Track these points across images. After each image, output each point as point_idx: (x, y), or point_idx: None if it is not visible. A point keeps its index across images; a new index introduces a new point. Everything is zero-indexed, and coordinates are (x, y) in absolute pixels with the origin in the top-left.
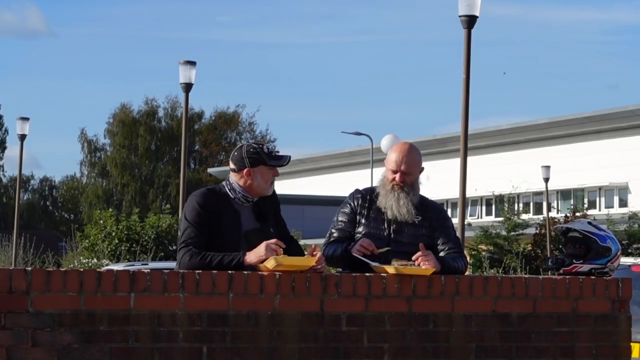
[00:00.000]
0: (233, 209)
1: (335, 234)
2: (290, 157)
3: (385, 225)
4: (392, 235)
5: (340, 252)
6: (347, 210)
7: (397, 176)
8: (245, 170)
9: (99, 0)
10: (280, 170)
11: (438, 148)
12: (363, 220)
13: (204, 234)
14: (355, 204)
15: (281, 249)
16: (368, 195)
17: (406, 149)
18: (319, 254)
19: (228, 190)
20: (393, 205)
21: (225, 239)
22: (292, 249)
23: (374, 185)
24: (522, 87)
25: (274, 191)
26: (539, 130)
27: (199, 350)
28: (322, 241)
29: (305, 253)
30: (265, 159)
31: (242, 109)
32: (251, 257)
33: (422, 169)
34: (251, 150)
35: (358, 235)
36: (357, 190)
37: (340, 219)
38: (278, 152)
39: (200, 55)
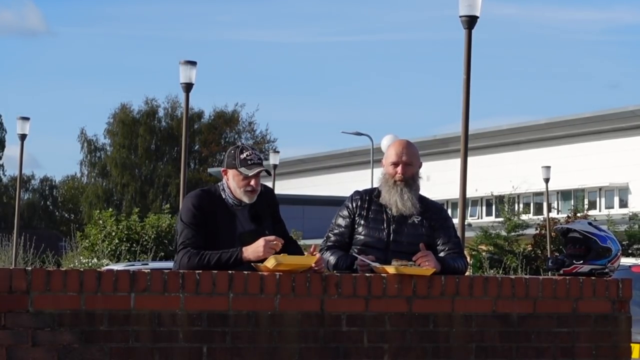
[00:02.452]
0: (228, 210)
1: (332, 239)
2: (264, 170)
3: (385, 225)
4: (391, 235)
5: (346, 267)
6: (345, 213)
7: (399, 168)
8: (222, 169)
9: (99, 0)
10: (280, 170)
11: (438, 148)
12: (362, 221)
13: (201, 235)
14: (354, 205)
15: (279, 245)
16: (367, 196)
17: (405, 143)
18: (318, 254)
19: (221, 191)
20: (397, 201)
21: (220, 240)
22: (292, 249)
23: (374, 185)
24: (522, 87)
25: (272, 192)
26: (539, 130)
27: (199, 350)
28: (322, 241)
29: (305, 253)
30: (236, 164)
31: (241, 109)
32: (249, 253)
33: (421, 164)
34: (232, 151)
35: (358, 236)
36: (356, 192)
37: (337, 222)
38: (257, 162)
39: (200, 55)
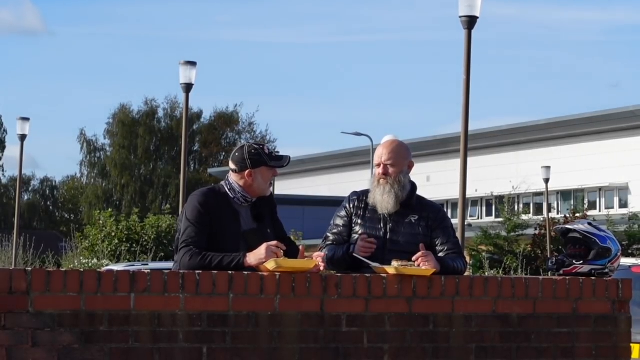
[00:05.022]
0: (232, 209)
1: (330, 238)
2: (290, 157)
3: (382, 224)
4: (388, 235)
5: (342, 254)
6: (342, 213)
7: (381, 168)
8: (247, 172)
9: (98, 0)
10: (280, 170)
11: (438, 148)
12: (359, 221)
13: (205, 234)
14: (351, 206)
15: (281, 251)
16: (364, 197)
17: (388, 143)
18: (317, 254)
19: (228, 190)
20: (378, 199)
21: (225, 239)
22: (290, 250)
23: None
24: (522, 87)
25: (271, 192)
26: (539, 130)
27: (199, 350)
28: (321, 241)
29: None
30: (267, 160)
31: (241, 109)
32: (251, 258)
33: (412, 163)
34: (252, 151)
35: (355, 235)
36: (353, 193)
37: (336, 222)
38: (278, 152)
39: (200, 55)
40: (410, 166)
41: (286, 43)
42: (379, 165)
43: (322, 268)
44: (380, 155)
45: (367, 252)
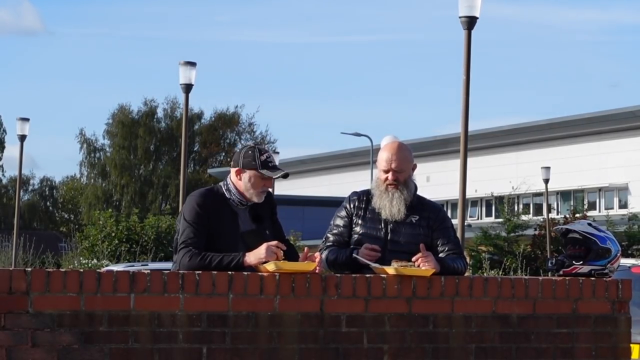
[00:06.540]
0: (231, 210)
1: (331, 239)
2: (288, 173)
3: (382, 225)
4: (388, 235)
5: (345, 258)
6: (342, 214)
7: (390, 175)
8: (236, 169)
9: (98, 0)
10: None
11: (438, 149)
12: (360, 221)
13: (203, 235)
14: (351, 206)
15: (281, 252)
16: (364, 197)
17: (395, 147)
18: (317, 254)
19: (225, 191)
20: (387, 205)
21: (223, 240)
22: (289, 253)
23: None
24: (522, 88)
25: (270, 193)
26: (539, 131)
27: (198, 351)
28: (321, 242)
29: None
30: (257, 165)
31: (241, 110)
32: (251, 258)
33: (415, 165)
34: (249, 152)
35: (355, 235)
36: (353, 193)
37: (336, 223)
38: (276, 164)
39: (200, 55)
40: (414, 168)
41: (286, 43)
42: (387, 171)
43: (317, 270)
44: (389, 161)
45: (371, 260)
